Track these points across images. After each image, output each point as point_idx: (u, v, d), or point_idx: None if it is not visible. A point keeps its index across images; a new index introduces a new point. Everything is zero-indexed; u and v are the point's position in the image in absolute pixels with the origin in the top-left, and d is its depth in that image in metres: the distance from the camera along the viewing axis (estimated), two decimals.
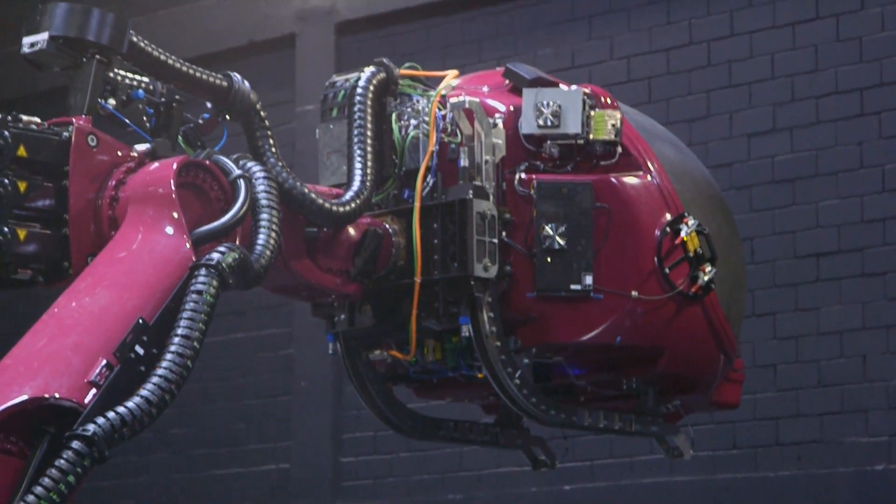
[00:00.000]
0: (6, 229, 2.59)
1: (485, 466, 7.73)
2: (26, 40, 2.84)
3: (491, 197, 3.17)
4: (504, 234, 3.20)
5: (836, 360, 6.93)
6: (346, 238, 3.19)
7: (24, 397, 2.22)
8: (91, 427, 2.17)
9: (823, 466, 6.92)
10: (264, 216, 2.77)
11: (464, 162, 3.16)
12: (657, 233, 3.26)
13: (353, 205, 3.08)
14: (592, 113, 3.25)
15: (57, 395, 2.24)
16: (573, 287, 3.18)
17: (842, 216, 7.01)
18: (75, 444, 2.16)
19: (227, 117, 3.11)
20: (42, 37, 2.80)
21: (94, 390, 2.29)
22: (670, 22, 7.57)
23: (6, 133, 2.61)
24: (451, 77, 3.45)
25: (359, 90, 3.27)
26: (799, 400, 7.01)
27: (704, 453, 6.70)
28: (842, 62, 7.05)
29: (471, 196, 3.11)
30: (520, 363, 3.22)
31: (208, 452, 8.89)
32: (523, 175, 3.25)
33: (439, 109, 3.28)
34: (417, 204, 3.21)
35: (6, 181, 2.58)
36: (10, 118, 2.68)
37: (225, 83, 3.04)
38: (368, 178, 3.17)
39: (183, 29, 9.01)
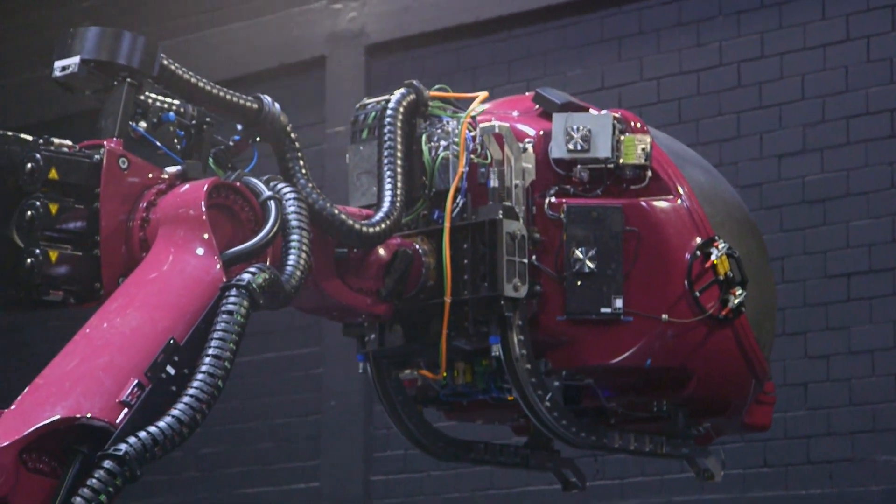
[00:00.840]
0: (38, 251, 2.63)
1: (515, 485, 7.78)
2: (58, 64, 2.89)
3: (521, 218, 3.19)
4: (534, 257, 3.23)
5: (867, 378, 6.97)
6: (376, 258, 3.22)
7: (56, 417, 2.26)
8: (123, 447, 2.20)
9: (855, 484, 6.96)
10: (294, 237, 2.79)
11: (493, 183, 3.18)
12: (687, 256, 3.26)
13: (382, 225, 3.11)
14: (622, 137, 3.28)
15: (89, 415, 2.27)
16: (603, 310, 3.19)
17: (872, 236, 7.07)
18: (107, 463, 2.19)
19: (258, 139, 3.15)
20: (73, 60, 2.85)
21: (125, 410, 2.31)
22: (700, 44, 7.63)
23: (38, 156, 2.65)
24: (480, 98, 3.48)
25: (389, 112, 3.30)
26: (830, 418, 7.05)
27: (735, 472, 6.73)
28: (872, 83, 7.11)
29: (501, 216, 3.13)
30: (550, 386, 3.23)
31: (239, 471, 8.96)
32: (553, 199, 3.27)
33: (469, 131, 3.30)
34: (447, 224, 3.23)
35: (38, 203, 2.63)
36: (41, 141, 2.72)
37: (255, 105, 3.08)
38: (398, 198, 3.20)
39: (213, 52, 9.13)
